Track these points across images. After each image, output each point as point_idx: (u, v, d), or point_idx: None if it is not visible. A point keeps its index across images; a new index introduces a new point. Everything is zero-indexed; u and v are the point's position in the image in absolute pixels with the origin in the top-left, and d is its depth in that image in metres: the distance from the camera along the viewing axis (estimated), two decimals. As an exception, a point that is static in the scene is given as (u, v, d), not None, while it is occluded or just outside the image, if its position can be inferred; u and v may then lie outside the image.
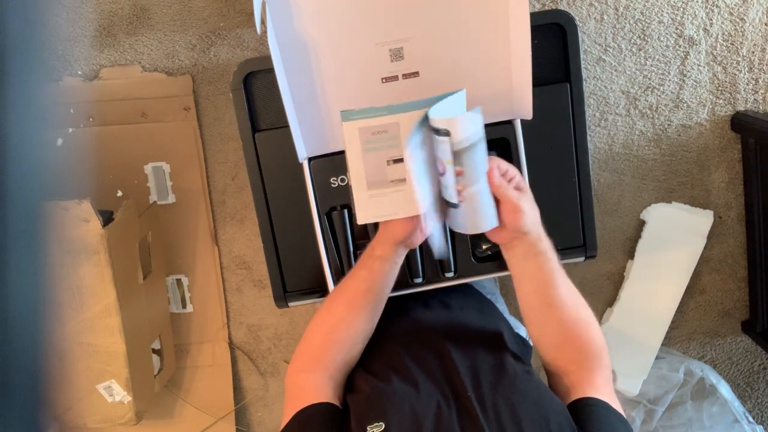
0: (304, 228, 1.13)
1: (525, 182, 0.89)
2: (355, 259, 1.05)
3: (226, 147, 1.72)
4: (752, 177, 1.68)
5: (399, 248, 0.95)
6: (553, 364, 0.94)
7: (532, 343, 1.12)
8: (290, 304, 1.18)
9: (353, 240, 1.13)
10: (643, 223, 1.75)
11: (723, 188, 1.74)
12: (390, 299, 1.12)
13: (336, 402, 0.89)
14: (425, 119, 0.85)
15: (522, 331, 1.13)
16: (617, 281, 1.81)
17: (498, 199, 0.86)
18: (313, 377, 0.91)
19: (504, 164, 0.87)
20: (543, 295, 0.90)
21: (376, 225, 0.98)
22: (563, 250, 1.17)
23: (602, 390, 0.88)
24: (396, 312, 1.07)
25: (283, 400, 0.94)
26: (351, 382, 0.94)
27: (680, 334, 1.85)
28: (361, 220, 0.92)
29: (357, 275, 0.96)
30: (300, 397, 0.88)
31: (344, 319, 0.94)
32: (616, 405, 0.86)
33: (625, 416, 0.85)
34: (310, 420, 0.85)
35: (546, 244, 0.89)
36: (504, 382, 0.86)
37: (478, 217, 0.87)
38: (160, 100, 1.67)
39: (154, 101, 1.67)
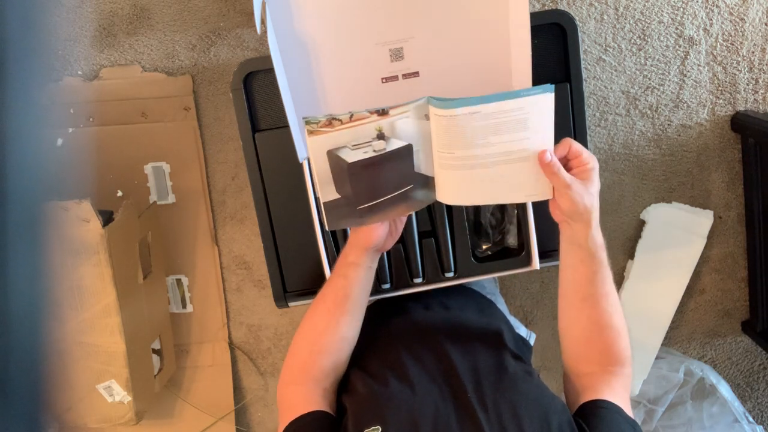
0: (304, 228, 1.13)
1: (595, 173, 0.88)
2: (337, 259, 1.05)
3: (226, 147, 1.72)
4: (752, 177, 1.68)
5: (371, 253, 0.95)
6: (573, 362, 0.93)
7: (532, 344, 1.12)
8: (290, 304, 1.18)
9: (353, 240, 1.13)
10: (643, 223, 1.75)
11: (723, 188, 1.74)
12: (390, 300, 1.12)
13: (328, 409, 0.89)
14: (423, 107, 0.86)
15: (522, 331, 1.13)
16: (617, 281, 1.80)
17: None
18: (302, 389, 0.92)
19: (577, 147, 0.87)
20: (578, 288, 0.90)
21: None
22: (563, 250, 1.16)
23: (619, 395, 0.87)
24: (396, 312, 1.07)
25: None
26: (348, 382, 0.94)
27: (680, 334, 1.85)
28: (331, 227, 0.93)
29: (333, 283, 0.96)
30: (291, 409, 0.88)
31: (326, 328, 0.94)
32: (630, 413, 0.86)
33: (639, 425, 0.85)
34: (301, 430, 0.86)
35: (593, 241, 0.87)
36: (505, 382, 0.86)
37: (511, 188, 0.88)
38: (160, 100, 1.67)
39: (154, 101, 1.67)
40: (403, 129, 0.88)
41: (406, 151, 0.89)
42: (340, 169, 0.88)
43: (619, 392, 0.88)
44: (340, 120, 0.85)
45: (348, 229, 1.12)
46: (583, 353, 0.92)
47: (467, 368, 0.89)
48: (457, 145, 0.87)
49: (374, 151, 0.88)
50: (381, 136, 0.87)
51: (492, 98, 0.83)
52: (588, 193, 0.85)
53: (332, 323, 0.94)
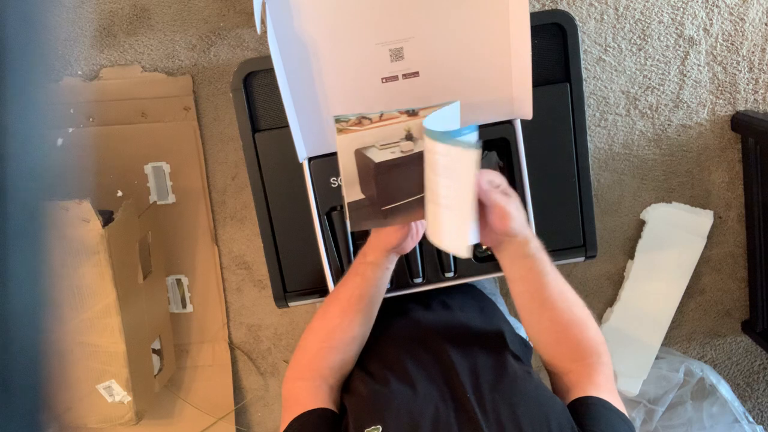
0: (304, 228, 1.13)
1: (511, 187, 0.88)
2: (355, 258, 1.06)
3: (226, 147, 1.72)
4: (752, 177, 1.68)
5: (391, 254, 0.95)
6: (552, 364, 0.94)
7: (531, 344, 1.12)
8: (290, 304, 1.18)
9: (353, 240, 1.13)
10: (643, 223, 1.75)
11: (723, 188, 1.74)
12: (390, 300, 1.12)
13: (332, 407, 0.89)
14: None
15: (522, 332, 1.13)
16: (617, 281, 1.81)
17: (485, 205, 0.85)
18: (309, 384, 0.92)
19: (489, 173, 0.87)
20: (533, 295, 0.91)
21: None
22: (563, 250, 1.17)
23: (603, 388, 0.87)
24: (396, 313, 1.07)
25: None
26: (349, 383, 0.94)
27: (680, 334, 1.85)
28: (354, 227, 0.92)
29: (350, 282, 0.96)
30: (296, 405, 0.89)
31: (339, 325, 0.94)
32: (618, 403, 0.86)
33: (627, 414, 0.85)
34: (307, 426, 0.86)
35: (534, 246, 0.89)
36: (504, 383, 0.86)
37: (449, 235, 0.85)
38: (160, 100, 1.67)
39: (154, 101, 1.67)
40: None
41: None
42: (366, 168, 0.88)
43: (603, 384, 0.88)
44: (370, 119, 0.85)
45: (351, 232, 1.12)
46: (558, 354, 0.93)
47: (467, 368, 0.89)
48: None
49: (402, 151, 0.87)
50: (409, 137, 0.87)
51: (442, 136, 0.80)
52: (519, 206, 0.87)
53: (345, 321, 0.94)
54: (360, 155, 0.87)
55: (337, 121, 0.85)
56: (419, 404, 0.83)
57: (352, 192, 0.89)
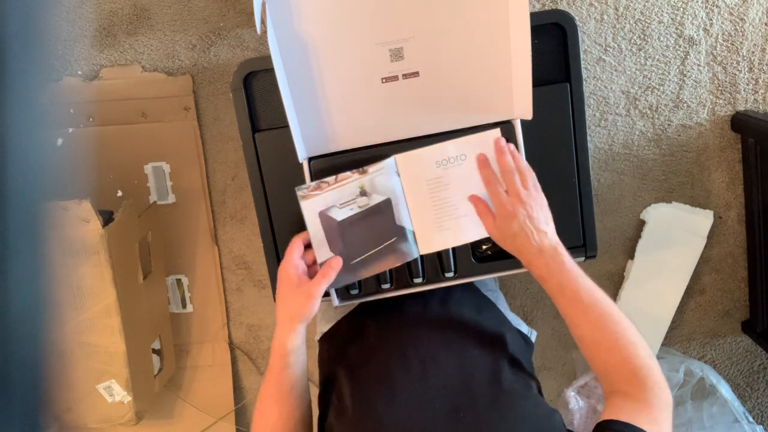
0: (304, 228, 1.13)
1: (535, 192, 0.93)
2: (272, 354, 1.06)
3: (226, 147, 1.72)
4: (752, 177, 1.68)
5: (307, 324, 0.95)
6: (602, 380, 0.90)
7: (533, 339, 1.12)
8: (290, 304, 1.18)
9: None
10: (643, 223, 1.75)
11: (723, 188, 1.74)
12: (389, 299, 1.12)
13: None
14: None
15: (523, 328, 1.12)
16: (617, 281, 1.81)
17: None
18: None
19: (511, 158, 0.94)
20: (563, 311, 0.90)
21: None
22: (563, 250, 1.16)
23: (642, 419, 0.81)
24: (393, 310, 1.07)
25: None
26: (337, 383, 0.95)
27: (680, 334, 1.85)
28: (330, 285, 0.99)
29: (276, 376, 0.95)
30: None
31: (280, 416, 0.95)
32: None
33: None
34: None
35: (555, 281, 0.88)
36: (500, 401, 0.85)
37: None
38: (160, 100, 1.67)
39: (154, 101, 1.67)
40: (381, 184, 0.98)
41: (386, 205, 0.99)
42: (331, 227, 0.97)
43: (663, 422, 0.82)
44: (328, 182, 0.97)
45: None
46: (609, 378, 0.88)
47: (461, 384, 0.88)
48: (423, 180, 1.00)
49: (359, 207, 0.98)
50: (363, 193, 0.98)
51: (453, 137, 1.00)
52: (521, 221, 0.92)
53: (284, 410, 0.95)
54: (324, 216, 0.97)
55: (298, 189, 0.97)
56: (406, 427, 0.82)
57: (322, 252, 0.98)
